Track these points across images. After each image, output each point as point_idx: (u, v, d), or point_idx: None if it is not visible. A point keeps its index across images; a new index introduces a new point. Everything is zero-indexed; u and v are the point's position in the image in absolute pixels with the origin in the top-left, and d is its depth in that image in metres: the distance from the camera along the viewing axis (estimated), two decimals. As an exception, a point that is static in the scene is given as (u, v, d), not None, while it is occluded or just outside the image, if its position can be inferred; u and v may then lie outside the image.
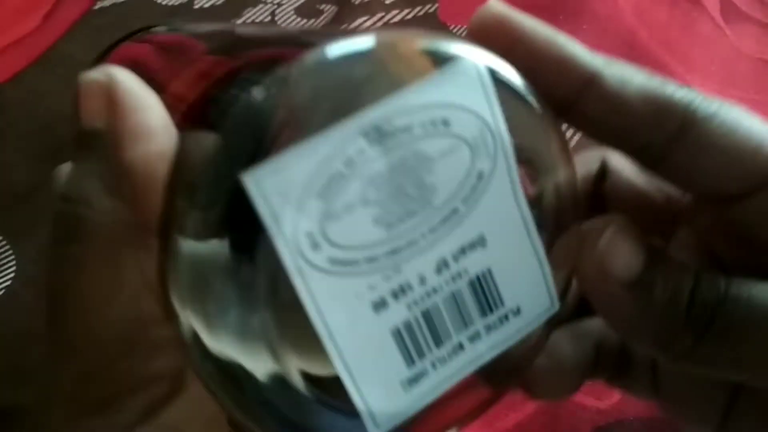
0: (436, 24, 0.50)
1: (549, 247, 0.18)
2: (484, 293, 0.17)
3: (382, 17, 0.51)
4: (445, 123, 0.16)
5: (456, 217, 0.17)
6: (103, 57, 0.31)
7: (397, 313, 0.16)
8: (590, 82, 0.18)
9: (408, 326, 0.17)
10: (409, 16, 0.51)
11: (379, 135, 0.15)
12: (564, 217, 0.19)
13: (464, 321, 0.17)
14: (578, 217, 0.19)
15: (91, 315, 0.15)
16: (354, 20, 0.50)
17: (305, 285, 0.15)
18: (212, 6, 0.53)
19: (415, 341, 0.17)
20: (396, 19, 0.51)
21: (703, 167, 0.18)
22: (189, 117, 0.17)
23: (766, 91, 0.46)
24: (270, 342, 0.16)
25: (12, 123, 0.46)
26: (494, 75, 0.17)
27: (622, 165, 0.22)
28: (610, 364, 0.22)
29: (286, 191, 0.15)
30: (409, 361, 0.17)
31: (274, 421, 0.16)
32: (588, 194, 0.23)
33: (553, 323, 0.19)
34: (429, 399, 0.17)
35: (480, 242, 0.17)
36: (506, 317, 0.18)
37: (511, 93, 0.17)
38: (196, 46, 0.24)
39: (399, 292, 0.16)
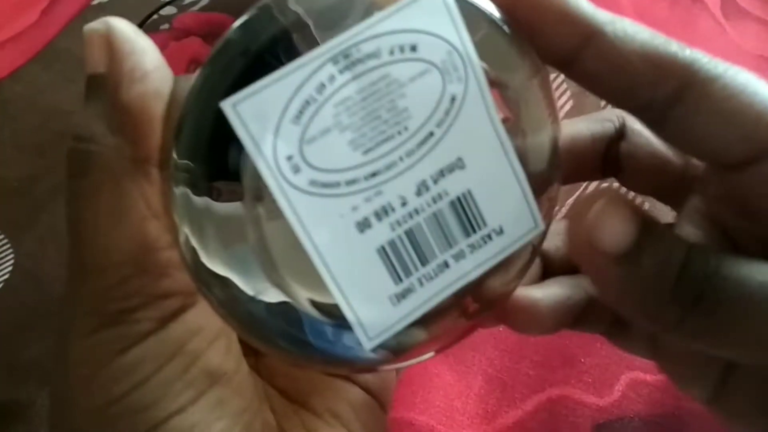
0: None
1: (530, 170, 0.19)
2: (466, 213, 0.18)
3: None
4: (413, 48, 0.17)
5: (432, 140, 0.17)
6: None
7: (381, 233, 0.17)
8: (591, 36, 0.17)
9: (393, 245, 0.17)
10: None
11: (347, 61, 0.16)
12: (542, 139, 0.19)
13: (448, 240, 0.18)
14: (557, 137, 0.20)
15: (102, 239, 0.16)
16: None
17: (290, 205, 0.16)
18: (211, 2, 0.53)
19: (400, 259, 0.18)
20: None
21: (702, 130, 0.17)
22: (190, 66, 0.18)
23: (766, 89, 0.46)
24: (262, 263, 0.17)
25: (10, 118, 0.45)
26: (461, 1, 0.17)
27: (641, 126, 0.22)
28: (606, 318, 0.22)
29: (263, 116, 0.16)
30: (396, 278, 0.18)
31: (272, 335, 0.18)
32: (602, 154, 0.23)
33: (537, 246, 0.20)
34: (418, 314, 0.18)
35: (458, 164, 0.18)
36: (489, 236, 0.18)
37: (482, 18, 0.18)
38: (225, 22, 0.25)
39: (381, 213, 0.17)
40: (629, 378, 0.34)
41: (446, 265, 0.18)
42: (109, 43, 0.17)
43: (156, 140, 0.16)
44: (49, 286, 0.38)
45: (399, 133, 0.17)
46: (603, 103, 0.44)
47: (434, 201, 0.18)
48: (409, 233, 0.18)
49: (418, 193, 0.17)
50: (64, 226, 0.40)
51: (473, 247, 0.18)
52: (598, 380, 0.34)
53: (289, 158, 0.16)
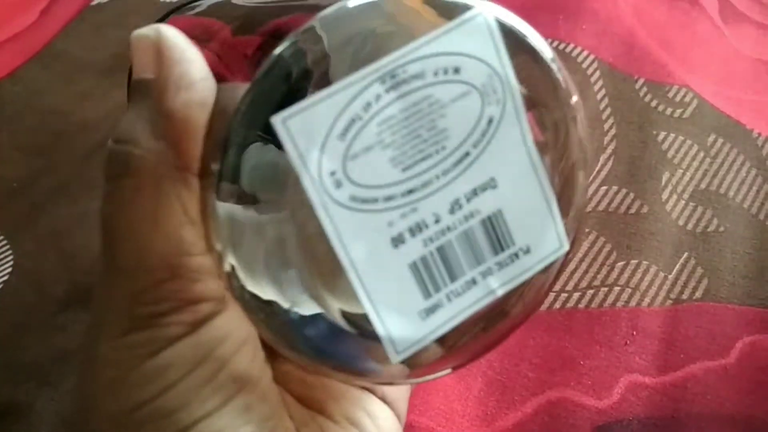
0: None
1: (559, 192, 0.19)
2: (496, 232, 0.19)
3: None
4: (456, 70, 0.17)
5: (467, 159, 0.18)
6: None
7: (414, 249, 0.18)
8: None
9: (424, 261, 0.18)
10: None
11: (394, 81, 0.17)
12: (572, 163, 0.20)
13: (476, 258, 0.19)
14: (586, 163, 0.20)
15: (138, 241, 0.17)
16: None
17: (330, 220, 0.17)
18: (211, 3, 0.53)
19: (431, 275, 0.18)
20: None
21: None
22: (229, 74, 0.18)
23: (764, 92, 0.46)
24: (300, 275, 0.18)
25: (9, 118, 0.45)
26: (503, 25, 0.18)
27: None
28: None
29: (311, 132, 0.16)
30: (426, 293, 0.18)
31: (306, 348, 0.18)
32: None
33: (562, 265, 0.20)
34: (444, 330, 0.19)
35: (491, 184, 0.18)
36: (516, 255, 0.19)
37: (520, 43, 0.19)
38: (220, 29, 0.25)
39: (415, 229, 0.18)
40: (628, 380, 0.34)
41: (474, 282, 0.19)
42: (159, 49, 0.17)
43: (198, 149, 0.17)
44: (48, 286, 0.38)
45: (437, 152, 0.18)
46: (602, 106, 0.44)
47: (466, 219, 0.18)
48: (441, 249, 0.18)
49: (452, 211, 0.18)
50: (64, 226, 0.40)
51: (500, 265, 0.19)
52: (597, 382, 0.34)
53: (333, 173, 0.17)
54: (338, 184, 0.17)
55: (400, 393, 0.24)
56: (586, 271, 0.38)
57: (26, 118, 0.46)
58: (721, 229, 0.39)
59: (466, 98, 0.17)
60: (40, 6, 0.51)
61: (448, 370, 0.20)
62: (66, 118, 0.44)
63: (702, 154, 0.42)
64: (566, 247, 0.20)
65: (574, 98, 0.20)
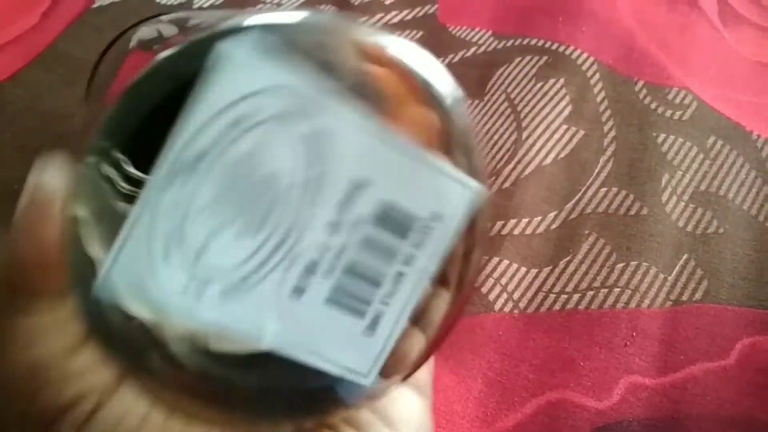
0: (435, 25, 0.50)
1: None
2: (393, 221, 0.17)
3: (382, 17, 0.51)
4: (241, 119, 0.16)
5: (314, 183, 0.16)
6: (105, 51, 0.31)
7: (320, 286, 0.17)
8: None
9: (337, 290, 0.17)
10: (409, 17, 0.51)
11: (187, 167, 0.15)
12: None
13: (389, 253, 0.17)
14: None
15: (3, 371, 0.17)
16: (353, 21, 0.50)
17: (222, 321, 0.16)
18: (211, 6, 0.53)
19: (352, 296, 0.17)
20: (395, 20, 0.51)
21: None
22: None
23: (763, 94, 0.46)
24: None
25: (10, 121, 0.45)
26: (267, 40, 0.16)
27: None
28: None
29: (136, 275, 0.15)
30: (358, 314, 0.17)
31: (282, 409, 0.18)
32: None
33: (485, 207, 0.18)
34: (399, 329, 0.18)
35: (359, 184, 0.17)
36: (427, 227, 0.17)
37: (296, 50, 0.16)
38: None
39: (309, 271, 0.16)
40: (628, 382, 0.34)
41: (400, 274, 0.17)
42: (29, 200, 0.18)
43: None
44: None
45: (276, 197, 0.16)
46: (602, 108, 0.44)
47: (354, 228, 0.17)
48: (348, 270, 0.17)
49: (333, 232, 0.16)
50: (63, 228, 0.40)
51: (418, 245, 0.17)
52: (597, 384, 0.34)
53: (186, 288, 0.15)
54: (199, 294, 0.15)
55: (423, 377, 0.23)
56: (585, 273, 0.38)
57: (27, 120, 0.46)
58: (721, 230, 0.40)
59: (269, 135, 0.16)
60: (41, 8, 0.51)
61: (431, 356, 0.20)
62: (67, 121, 0.44)
63: (701, 156, 0.43)
64: (475, 186, 0.18)
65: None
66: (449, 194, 0.17)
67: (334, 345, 0.17)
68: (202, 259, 0.15)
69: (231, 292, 0.16)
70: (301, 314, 0.16)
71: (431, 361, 0.23)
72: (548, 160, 0.42)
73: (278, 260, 0.16)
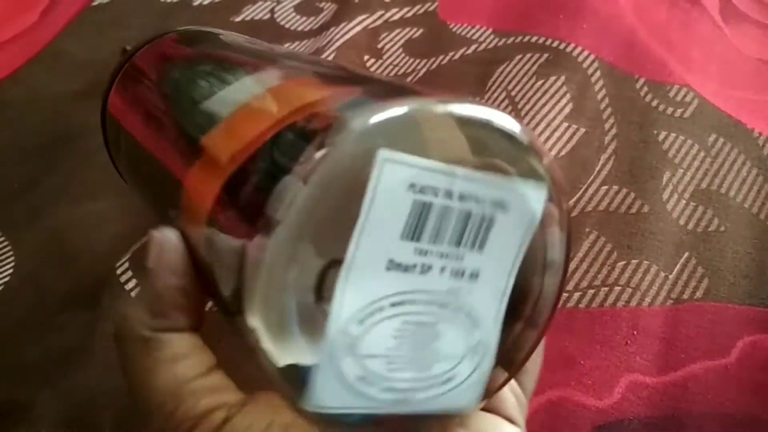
0: (436, 22, 0.50)
1: None
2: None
3: (382, 15, 0.51)
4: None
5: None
6: (129, 59, 0.31)
7: None
8: None
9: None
10: (409, 14, 0.51)
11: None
12: None
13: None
14: None
15: (144, 388, 0.21)
16: (353, 18, 0.50)
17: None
18: (211, 3, 0.53)
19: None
20: (395, 18, 0.51)
21: None
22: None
23: (765, 91, 0.46)
24: None
25: (10, 119, 0.45)
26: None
27: None
28: None
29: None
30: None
31: None
32: None
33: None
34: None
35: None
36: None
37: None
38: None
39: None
40: (629, 380, 0.34)
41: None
42: (159, 251, 0.21)
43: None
44: (49, 287, 0.38)
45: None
46: (602, 105, 0.44)
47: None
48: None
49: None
50: (65, 227, 0.40)
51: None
52: (597, 382, 0.34)
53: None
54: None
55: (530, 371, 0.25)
56: (586, 271, 0.38)
57: (27, 118, 0.46)
58: (722, 228, 0.39)
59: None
60: (40, 7, 0.51)
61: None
62: (67, 119, 0.44)
63: (703, 154, 0.42)
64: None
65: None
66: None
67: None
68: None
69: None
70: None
71: (524, 400, 0.25)
72: (549, 158, 0.42)
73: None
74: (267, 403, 0.21)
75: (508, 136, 0.19)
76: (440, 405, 0.21)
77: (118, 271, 0.38)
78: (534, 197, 0.19)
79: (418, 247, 0.18)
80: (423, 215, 0.18)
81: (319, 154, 0.16)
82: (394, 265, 0.18)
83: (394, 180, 0.17)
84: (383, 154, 0.16)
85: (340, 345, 0.18)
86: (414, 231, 0.18)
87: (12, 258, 0.39)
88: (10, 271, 0.38)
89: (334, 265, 0.17)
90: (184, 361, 0.21)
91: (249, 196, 0.18)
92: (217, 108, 0.23)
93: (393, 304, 0.19)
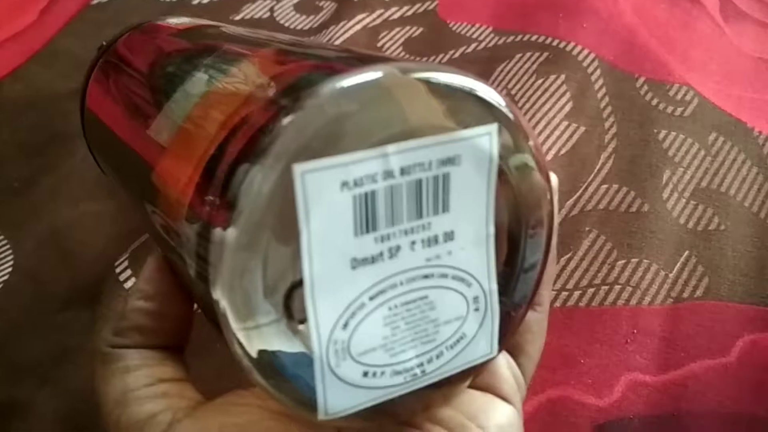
0: (435, 21, 0.50)
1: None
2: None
3: (382, 14, 0.51)
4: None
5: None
6: (108, 48, 0.31)
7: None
8: None
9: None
10: (409, 13, 0.51)
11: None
12: None
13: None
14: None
15: (98, 400, 0.23)
16: (353, 17, 0.50)
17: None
18: (210, 2, 0.53)
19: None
20: (395, 16, 0.51)
21: None
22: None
23: (765, 90, 0.46)
24: None
25: (10, 118, 0.45)
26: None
27: None
28: None
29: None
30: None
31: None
32: None
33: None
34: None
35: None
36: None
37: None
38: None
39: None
40: (629, 379, 0.34)
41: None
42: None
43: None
44: (48, 285, 0.38)
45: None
46: (603, 104, 0.44)
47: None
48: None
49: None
50: (64, 225, 0.40)
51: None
52: (597, 381, 0.34)
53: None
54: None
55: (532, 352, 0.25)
56: (586, 270, 0.38)
57: (27, 117, 0.45)
58: (722, 227, 0.39)
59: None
60: (40, 5, 0.51)
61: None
62: (66, 118, 0.44)
63: (703, 153, 0.42)
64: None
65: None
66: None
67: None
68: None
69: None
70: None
71: (522, 382, 0.25)
72: (549, 157, 0.42)
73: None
74: (223, 405, 0.22)
75: (474, 98, 0.18)
76: (457, 365, 0.21)
77: (117, 270, 0.38)
78: (484, 139, 0.18)
79: (378, 235, 0.17)
80: (369, 205, 0.17)
81: (285, 121, 0.16)
82: (358, 262, 0.17)
83: (322, 187, 0.16)
84: (298, 168, 0.15)
85: (331, 355, 0.18)
86: (366, 223, 0.17)
87: (11, 257, 0.39)
88: (9, 269, 0.38)
89: (296, 285, 0.17)
90: (134, 372, 0.22)
91: (216, 180, 0.17)
92: (182, 97, 0.22)
93: (372, 297, 0.18)
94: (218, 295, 0.16)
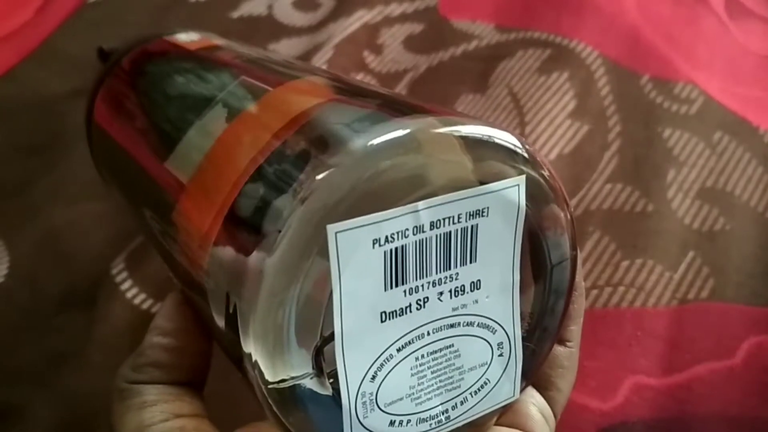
0: (436, 18, 0.50)
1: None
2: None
3: (382, 11, 0.50)
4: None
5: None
6: (114, 64, 0.30)
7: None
8: None
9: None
10: (410, 10, 0.50)
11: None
12: None
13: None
14: None
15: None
16: (352, 14, 0.49)
17: None
18: (208, 0, 0.52)
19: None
20: (396, 13, 0.50)
21: None
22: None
23: (770, 88, 0.46)
24: None
25: (5, 118, 0.45)
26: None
27: None
28: None
29: None
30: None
31: None
32: None
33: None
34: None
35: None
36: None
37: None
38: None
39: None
40: (633, 382, 0.34)
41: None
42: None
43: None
44: (44, 288, 0.38)
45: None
46: (606, 102, 0.44)
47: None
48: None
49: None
50: (60, 227, 0.39)
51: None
52: (601, 384, 0.34)
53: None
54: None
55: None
56: (590, 271, 0.37)
57: (23, 117, 0.45)
58: (728, 227, 0.39)
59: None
60: (35, 4, 0.51)
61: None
62: (62, 118, 0.44)
63: (708, 152, 0.42)
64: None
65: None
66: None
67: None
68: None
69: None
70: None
71: (551, 414, 0.24)
72: (552, 156, 0.41)
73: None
74: None
75: (503, 149, 0.18)
76: (481, 409, 0.21)
77: (113, 272, 0.37)
78: (512, 190, 0.18)
79: (407, 288, 0.18)
80: (400, 259, 0.17)
81: (319, 177, 0.16)
82: (388, 315, 0.18)
83: (355, 246, 0.16)
84: (332, 228, 0.16)
85: (359, 407, 0.18)
86: (396, 278, 0.17)
87: (7, 258, 0.38)
88: (5, 271, 0.38)
89: (327, 340, 0.17)
90: (150, 408, 0.22)
91: (251, 215, 0.18)
92: (201, 133, 0.22)
93: (399, 349, 0.18)
94: (250, 347, 0.16)
